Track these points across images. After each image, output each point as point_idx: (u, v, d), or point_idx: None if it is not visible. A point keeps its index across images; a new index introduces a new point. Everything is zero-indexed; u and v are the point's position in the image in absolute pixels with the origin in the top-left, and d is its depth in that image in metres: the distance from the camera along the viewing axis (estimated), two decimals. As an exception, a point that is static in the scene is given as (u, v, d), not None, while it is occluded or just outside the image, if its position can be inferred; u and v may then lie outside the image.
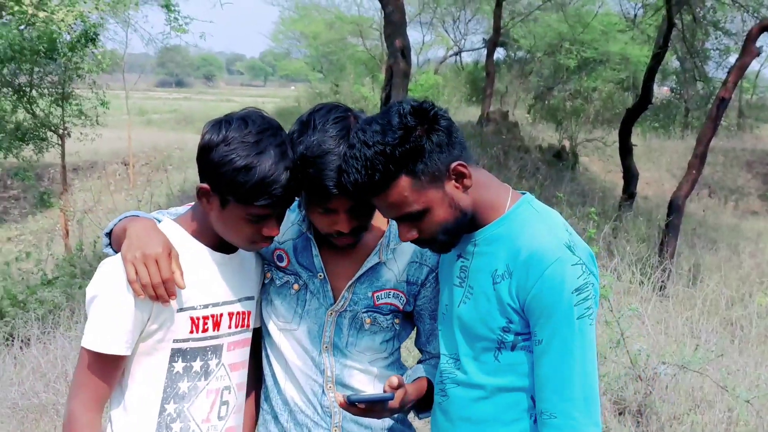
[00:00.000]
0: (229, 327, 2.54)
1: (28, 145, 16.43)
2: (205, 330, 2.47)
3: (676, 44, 19.47)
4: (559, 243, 2.23)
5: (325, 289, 2.63)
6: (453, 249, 2.43)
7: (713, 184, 22.04)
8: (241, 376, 2.61)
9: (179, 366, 2.45)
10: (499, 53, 34.06)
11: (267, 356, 2.75)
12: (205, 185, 2.37)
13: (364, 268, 2.61)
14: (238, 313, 2.56)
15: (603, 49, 27.50)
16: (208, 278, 2.49)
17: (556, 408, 2.23)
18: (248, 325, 2.62)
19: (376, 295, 2.63)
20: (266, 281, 2.72)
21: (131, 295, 2.30)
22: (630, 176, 15.95)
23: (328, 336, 2.65)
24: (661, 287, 9.64)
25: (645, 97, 15.56)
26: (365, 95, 26.30)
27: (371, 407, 2.41)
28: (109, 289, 2.32)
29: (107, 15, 20.22)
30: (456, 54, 37.41)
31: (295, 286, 2.66)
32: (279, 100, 41.95)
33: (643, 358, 6.40)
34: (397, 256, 2.64)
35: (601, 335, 6.85)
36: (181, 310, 2.41)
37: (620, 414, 6.11)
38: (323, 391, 2.65)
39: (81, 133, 17.21)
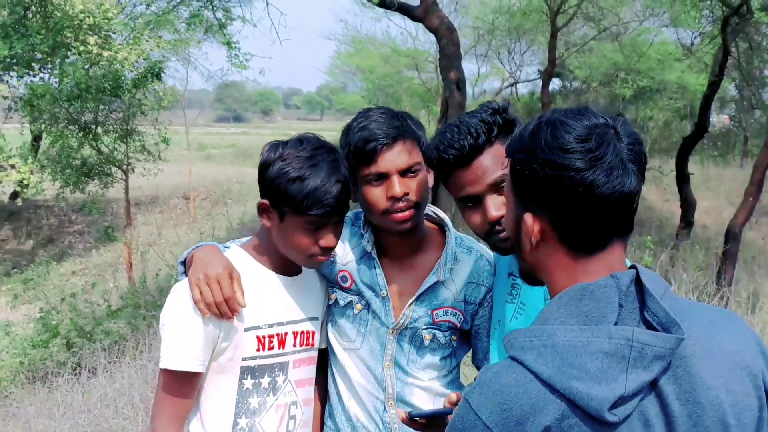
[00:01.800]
0: (294, 345, 2.68)
1: (93, 180, 16.90)
2: (271, 348, 2.61)
3: (733, 72, 19.36)
4: None
5: (387, 308, 2.75)
6: (506, 268, 2.60)
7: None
8: (307, 393, 2.74)
9: (249, 383, 2.59)
10: (555, 84, 34.02)
11: (333, 375, 2.87)
12: (264, 201, 2.56)
13: (423, 287, 2.72)
14: (302, 332, 2.71)
15: (659, 78, 27.35)
16: (272, 299, 2.64)
17: None
18: (313, 344, 2.75)
19: (435, 312, 2.74)
20: (331, 303, 2.85)
21: (199, 317, 2.47)
22: (687, 205, 15.89)
23: (390, 354, 2.77)
24: (719, 315, 9.59)
25: (701, 126, 15.52)
26: (421, 127, 26.45)
27: (431, 422, 2.50)
28: (180, 310, 2.49)
29: (168, 53, 20.75)
30: (511, 85, 37.37)
31: (358, 306, 2.79)
32: (335, 134, 42.26)
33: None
34: (454, 276, 2.75)
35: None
36: (247, 329, 2.55)
37: None
38: (384, 407, 2.76)
39: (144, 168, 17.65)
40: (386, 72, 35.33)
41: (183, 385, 2.52)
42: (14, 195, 23.33)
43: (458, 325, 2.77)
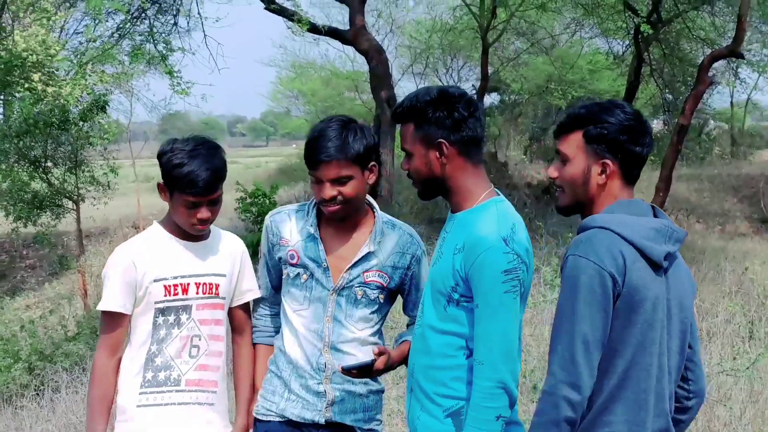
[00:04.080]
0: (197, 293, 3.58)
1: (45, 212, 17.26)
2: (175, 294, 3.53)
3: (658, 79, 20.21)
4: (499, 235, 2.95)
5: (327, 275, 3.55)
6: (445, 226, 3.27)
7: (700, 209, 22.66)
8: (211, 330, 3.64)
9: (160, 320, 3.54)
10: (494, 98, 34.82)
11: (282, 331, 3.68)
12: (160, 182, 3.47)
13: (358, 256, 3.56)
14: (204, 283, 3.60)
15: (591, 87, 28.14)
16: (176, 258, 3.56)
17: (485, 358, 2.95)
18: (218, 294, 3.64)
19: (365, 274, 3.58)
20: (284, 277, 3.65)
21: (120, 271, 3.47)
22: (614, 205, 16.70)
23: (330, 311, 3.57)
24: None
25: (622, 130, 16.28)
26: (364, 146, 26.81)
27: (361, 372, 3.34)
28: (108, 268, 3.51)
29: (112, 86, 21.14)
30: (450, 101, 37.63)
31: (304, 276, 3.58)
32: (281, 159, 42.61)
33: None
34: (382, 247, 3.60)
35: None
36: (156, 280, 3.49)
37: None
38: (321, 353, 3.57)
39: (94, 199, 18.02)
40: (328, 94, 35.92)
41: (111, 323, 3.51)
42: (-36, 234, 23.42)
43: (385, 284, 3.61)
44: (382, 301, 3.65)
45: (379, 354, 3.33)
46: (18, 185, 16.66)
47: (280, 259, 3.64)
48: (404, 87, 34.39)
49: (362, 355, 3.52)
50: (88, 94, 16.69)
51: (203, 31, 13.56)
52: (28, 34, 16.58)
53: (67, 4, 17.07)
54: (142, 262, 3.49)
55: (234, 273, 3.73)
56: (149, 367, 3.52)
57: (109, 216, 23.83)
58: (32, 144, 16.43)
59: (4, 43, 16.17)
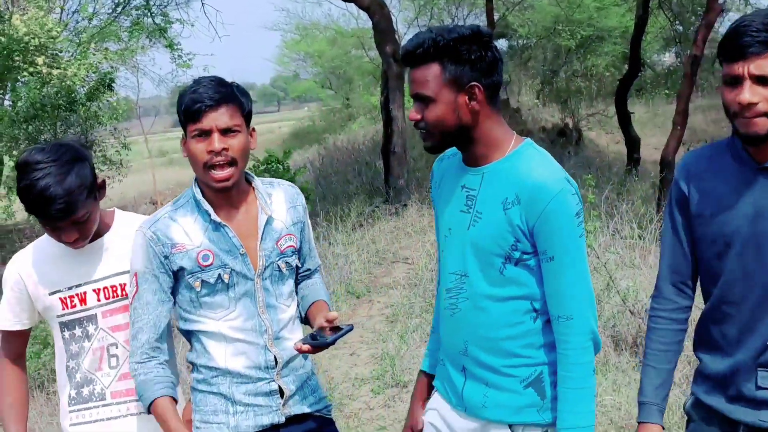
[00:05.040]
0: (98, 300, 3.22)
1: (58, 194, 17.25)
2: (73, 306, 3.22)
3: (667, 11, 19.93)
4: (560, 177, 2.66)
5: (246, 262, 3.09)
6: (458, 182, 2.90)
7: (710, 139, 22.40)
8: (128, 334, 3.15)
9: (66, 334, 3.24)
10: (502, 44, 34.45)
11: (204, 348, 3.17)
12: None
13: (261, 227, 3.13)
14: (105, 287, 3.23)
15: (600, 25, 27.77)
16: (69, 266, 3.20)
17: (574, 311, 2.70)
18: (125, 294, 3.21)
19: (278, 243, 3.19)
20: (198, 290, 3.08)
21: (8, 288, 3.22)
22: (631, 142, 16.56)
23: (262, 300, 3.13)
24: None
25: (634, 66, 16.13)
26: (375, 104, 26.80)
27: (333, 342, 2.97)
28: (3, 286, 3.22)
29: (117, 63, 21.09)
30: (458, 51, 37.39)
31: (225, 276, 3.07)
32: (294, 122, 42.44)
33: (632, 295, 7.05)
34: (276, 207, 3.21)
35: (595, 283, 7.49)
36: (51, 293, 3.20)
37: (617, 346, 6.74)
38: (266, 349, 3.13)
39: (108, 177, 18.06)
40: (335, 54, 35.64)
41: (8, 338, 3.33)
42: (-17, 222, 23.52)
43: (296, 245, 3.26)
44: (295, 265, 3.32)
45: (333, 318, 2.98)
46: (31, 170, 16.64)
47: (180, 270, 3.08)
48: (410, 40, 34.09)
49: (298, 336, 3.19)
50: (93, 73, 16.61)
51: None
52: (27, 18, 16.48)
53: (64, -17, 16.96)
54: (30, 275, 3.21)
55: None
56: (72, 383, 3.29)
57: (126, 193, 23.83)
58: (41, 128, 16.39)
59: (3, 29, 16.03)
